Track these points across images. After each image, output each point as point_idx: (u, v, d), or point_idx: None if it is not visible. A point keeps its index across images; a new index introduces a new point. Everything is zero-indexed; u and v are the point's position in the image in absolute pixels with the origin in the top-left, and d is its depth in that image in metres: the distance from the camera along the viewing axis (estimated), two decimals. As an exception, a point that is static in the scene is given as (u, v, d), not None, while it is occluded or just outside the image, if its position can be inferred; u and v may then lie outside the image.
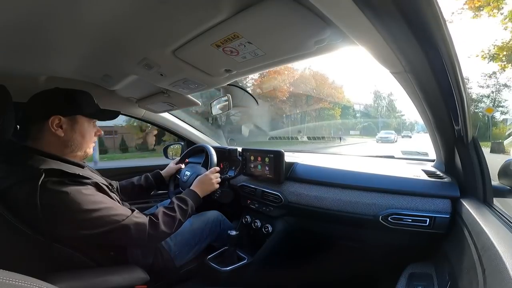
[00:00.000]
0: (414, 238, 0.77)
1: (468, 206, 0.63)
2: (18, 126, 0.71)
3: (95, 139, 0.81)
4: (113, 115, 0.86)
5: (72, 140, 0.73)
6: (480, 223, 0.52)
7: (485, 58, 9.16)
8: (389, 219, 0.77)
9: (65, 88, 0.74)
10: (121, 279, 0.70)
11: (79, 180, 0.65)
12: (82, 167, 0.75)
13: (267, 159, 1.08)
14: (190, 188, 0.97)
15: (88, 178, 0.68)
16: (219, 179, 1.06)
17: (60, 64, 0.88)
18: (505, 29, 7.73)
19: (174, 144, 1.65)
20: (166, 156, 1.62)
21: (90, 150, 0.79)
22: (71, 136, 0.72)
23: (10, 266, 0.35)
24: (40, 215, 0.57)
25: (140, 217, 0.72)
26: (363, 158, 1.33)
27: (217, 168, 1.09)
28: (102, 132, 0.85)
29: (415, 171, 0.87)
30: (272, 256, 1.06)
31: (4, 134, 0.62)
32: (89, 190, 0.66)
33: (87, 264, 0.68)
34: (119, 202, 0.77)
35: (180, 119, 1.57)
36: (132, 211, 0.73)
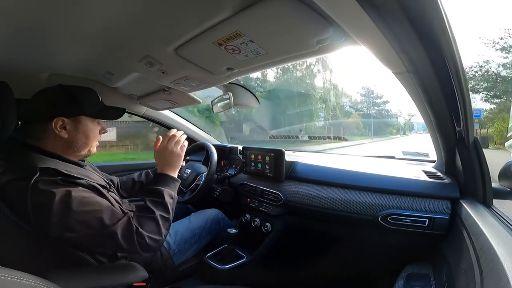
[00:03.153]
0: (413, 239, 0.77)
1: (468, 207, 0.63)
2: (19, 123, 0.71)
3: (100, 137, 0.79)
4: (118, 113, 0.82)
5: (75, 141, 0.71)
6: (479, 224, 0.52)
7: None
8: (388, 219, 0.77)
9: (68, 86, 0.72)
10: (120, 276, 0.70)
11: (72, 180, 0.63)
12: (82, 166, 0.74)
13: (267, 158, 1.08)
14: (157, 172, 0.80)
15: (82, 179, 0.65)
16: (182, 140, 0.84)
17: (62, 61, 0.88)
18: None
19: None
20: None
21: (93, 149, 0.77)
22: (74, 137, 0.71)
23: (11, 263, 0.35)
24: (30, 214, 0.56)
25: (130, 224, 0.64)
26: (364, 158, 1.33)
27: (172, 131, 0.84)
28: (107, 130, 0.82)
29: (415, 172, 0.87)
30: (271, 254, 1.06)
31: (5, 132, 0.62)
32: (79, 192, 0.62)
33: (87, 261, 0.68)
34: (117, 202, 0.73)
35: (181, 117, 1.57)
36: (124, 214, 0.65)
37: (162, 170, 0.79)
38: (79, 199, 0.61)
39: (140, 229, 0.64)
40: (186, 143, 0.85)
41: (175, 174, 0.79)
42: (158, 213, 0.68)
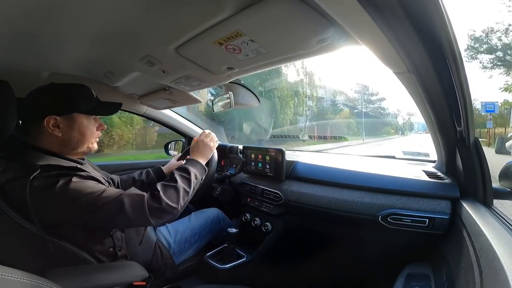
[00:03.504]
0: (413, 239, 0.77)
1: (468, 208, 0.63)
2: (20, 122, 0.71)
3: (99, 133, 0.78)
4: (113, 108, 0.81)
5: (71, 139, 0.71)
6: (479, 224, 0.52)
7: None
8: (388, 219, 0.77)
9: (60, 84, 0.72)
10: (120, 275, 0.70)
11: (71, 172, 0.64)
12: (81, 163, 0.74)
13: (268, 157, 1.08)
14: (188, 158, 0.92)
15: (84, 171, 0.66)
16: (216, 141, 1.02)
17: (63, 60, 0.88)
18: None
19: (175, 140, 1.66)
20: (167, 153, 1.63)
21: (93, 146, 0.76)
22: (69, 135, 0.70)
23: (11, 262, 0.35)
24: (30, 210, 0.57)
25: (135, 192, 0.68)
26: (364, 158, 1.33)
27: (206, 131, 1.03)
28: (106, 126, 0.81)
29: (416, 172, 0.87)
30: (271, 254, 1.06)
31: (5, 131, 0.62)
32: (79, 178, 0.63)
33: (86, 260, 0.68)
34: None
35: (181, 116, 1.57)
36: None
37: (194, 157, 0.91)
38: (79, 185, 0.62)
39: (161, 193, 0.70)
40: (218, 142, 1.05)
41: (204, 162, 0.91)
42: (181, 185, 0.75)
